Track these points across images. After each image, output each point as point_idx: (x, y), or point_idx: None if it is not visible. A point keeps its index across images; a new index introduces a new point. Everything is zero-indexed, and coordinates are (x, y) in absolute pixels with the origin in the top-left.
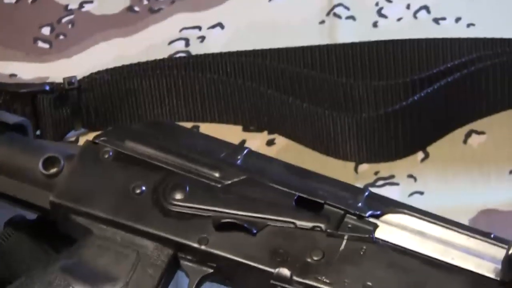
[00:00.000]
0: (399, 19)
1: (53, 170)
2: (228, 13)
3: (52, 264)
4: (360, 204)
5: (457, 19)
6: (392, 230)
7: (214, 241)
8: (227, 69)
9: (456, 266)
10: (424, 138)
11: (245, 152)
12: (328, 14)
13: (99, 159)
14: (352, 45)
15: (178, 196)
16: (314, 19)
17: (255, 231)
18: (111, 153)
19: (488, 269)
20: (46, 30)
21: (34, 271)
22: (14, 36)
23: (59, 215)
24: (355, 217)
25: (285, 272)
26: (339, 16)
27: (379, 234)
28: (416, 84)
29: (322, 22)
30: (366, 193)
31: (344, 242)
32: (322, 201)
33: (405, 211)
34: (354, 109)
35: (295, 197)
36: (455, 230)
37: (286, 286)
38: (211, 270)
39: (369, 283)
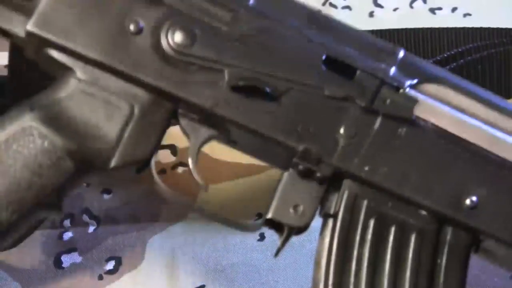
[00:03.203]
0: (395, 9)
1: None
2: None
3: (24, 109)
4: (394, 69)
5: (454, 9)
6: (433, 108)
7: (225, 102)
8: None
9: (510, 162)
10: None
11: None
12: (324, 3)
13: None
14: None
15: (183, 40)
16: None
17: (276, 95)
18: None
19: None
20: None
21: (5, 116)
22: None
23: (35, 48)
24: (392, 89)
25: (312, 150)
26: (335, 6)
27: (419, 112)
28: None
29: None
30: (402, 54)
31: (379, 119)
32: (355, 67)
33: (445, 80)
34: None
35: (323, 57)
36: (503, 113)
37: (311, 166)
38: (216, 133)
39: (407, 172)
